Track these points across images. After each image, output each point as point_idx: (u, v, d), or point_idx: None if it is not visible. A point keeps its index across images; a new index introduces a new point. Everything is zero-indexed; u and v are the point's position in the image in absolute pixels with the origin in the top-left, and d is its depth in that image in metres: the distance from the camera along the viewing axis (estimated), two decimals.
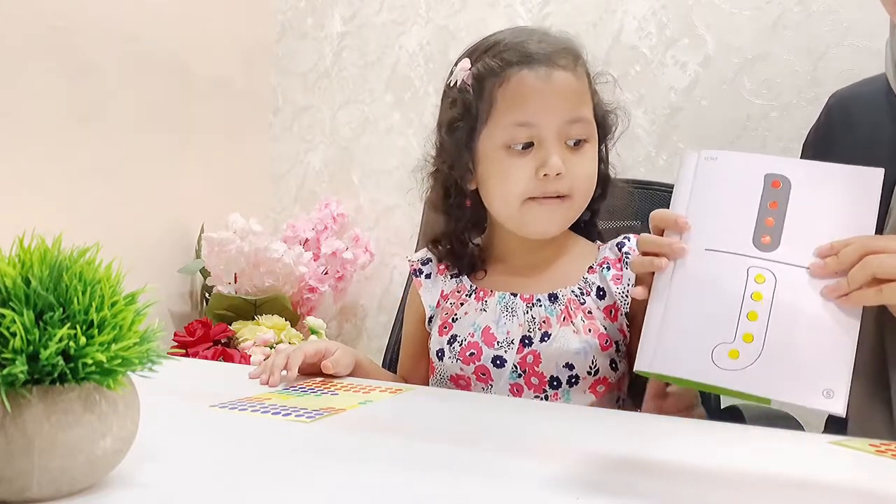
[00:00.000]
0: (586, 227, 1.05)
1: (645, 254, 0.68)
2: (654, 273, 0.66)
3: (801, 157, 1.06)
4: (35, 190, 1.53)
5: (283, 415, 0.71)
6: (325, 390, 0.85)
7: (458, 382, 0.99)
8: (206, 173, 1.99)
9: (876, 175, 0.65)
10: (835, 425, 0.91)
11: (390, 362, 1.23)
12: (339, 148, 2.17)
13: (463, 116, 0.96)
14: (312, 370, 0.93)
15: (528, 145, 0.93)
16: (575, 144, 0.94)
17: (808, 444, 0.71)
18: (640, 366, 0.61)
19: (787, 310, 0.59)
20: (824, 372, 0.57)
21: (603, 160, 1.01)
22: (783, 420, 1.02)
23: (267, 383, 0.87)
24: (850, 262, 0.61)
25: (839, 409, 0.55)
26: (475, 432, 0.70)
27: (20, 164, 1.50)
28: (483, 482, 0.54)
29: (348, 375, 0.95)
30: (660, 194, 1.20)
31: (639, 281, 0.72)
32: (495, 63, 0.94)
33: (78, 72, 1.62)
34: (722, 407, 1.09)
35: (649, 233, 0.71)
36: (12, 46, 1.49)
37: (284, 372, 0.89)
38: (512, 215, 0.96)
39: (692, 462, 0.62)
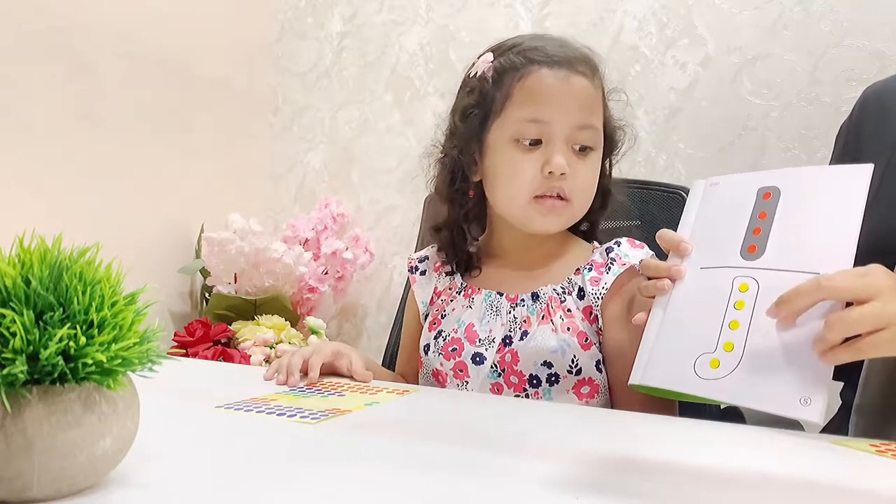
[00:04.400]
0: (585, 234, 1.06)
1: (648, 278, 0.68)
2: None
3: (833, 147, 1.06)
4: (35, 190, 1.53)
5: (288, 416, 0.71)
6: (332, 391, 0.85)
7: (437, 378, 1.01)
8: (206, 173, 1.99)
9: (864, 171, 0.64)
10: (835, 425, 0.91)
11: (390, 361, 1.23)
12: (338, 148, 2.17)
13: (478, 105, 0.98)
14: (323, 371, 0.93)
15: (537, 142, 0.93)
16: (581, 150, 0.94)
17: (808, 444, 0.71)
18: (632, 380, 0.62)
19: (768, 317, 0.59)
20: (802, 379, 0.56)
21: (605, 175, 1.02)
22: (784, 421, 1.01)
23: (285, 384, 0.87)
24: (806, 305, 0.58)
25: (816, 417, 0.54)
26: (478, 433, 0.70)
27: (20, 164, 1.50)
28: (484, 482, 0.54)
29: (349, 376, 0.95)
30: (659, 194, 1.20)
31: (642, 307, 0.72)
32: (518, 59, 0.95)
33: (78, 72, 1.62)
34: (722, 407, 1.09)
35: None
36: (12, 46, 1.49)
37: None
38: (516, 211, 0.97)
39: (692, 462, 0.62)
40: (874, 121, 0.97)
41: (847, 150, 1.01)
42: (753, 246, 0.64)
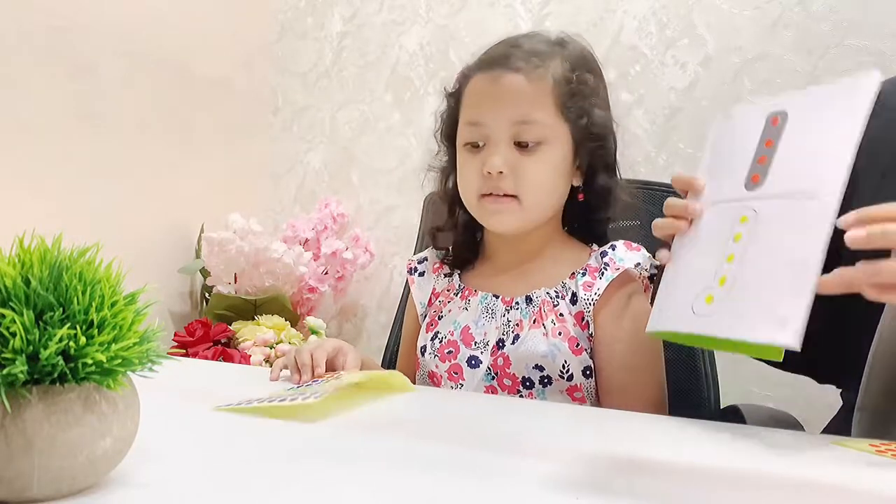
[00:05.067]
0: (592, 235, 1.03)
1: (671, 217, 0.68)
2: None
3: None
4: (35, 190, 1.53)
5: (290, 400, 0.72)
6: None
7: (433, 379, 1.01)
8: (206, 173, 1.99)
9: (871, 80, 0.60)
10: (836, 425, 0.91)
11: (389, 362, 1.23)
12: (338, 148, 2.17)
13: (446, 115, 1.04)
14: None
15: (481, 144, 0.96)
16: (527, 146, 0.93)
17: (808, 445, 0.71)
18: (648, 327, 0.61)
19: (760, 246, 0.57)
20: (780, 303, 0.53)
21: (603, 169, 0.98)
22: (784, 421, 1.02)
23: (298, 383, 0.87)
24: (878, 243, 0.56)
25: (790, 340, 0.51)
26: (477, 432, 0.70)
27: (20, 164, 1.50)
28: (484, 482, 0.54)
29: None
30: (659, 194, 1.19)
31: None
32: (467, 67, 1.00)
33: (78, 72, 1.62)
34: (722, 407, 1.09)
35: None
36: (12, 46, 1.49)
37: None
38: (472, 211, 0.99)
39: (692, 462, 0.62)
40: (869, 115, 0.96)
41: None
42: (757, 175, 0.61)
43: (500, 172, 0.92)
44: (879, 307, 0.80)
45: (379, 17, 2.10)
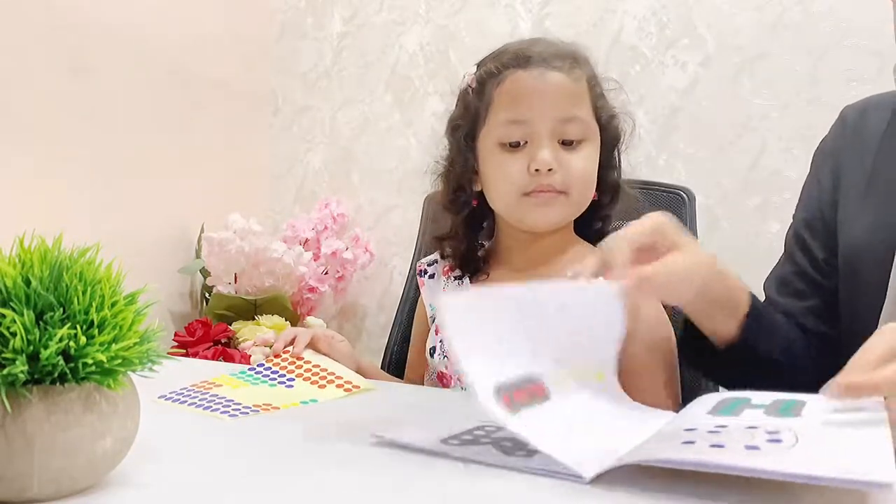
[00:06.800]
0: (596, 235, 1.04)
1: None
2: None
3: (810, 166, 1.02)
4: (35, 190, 1.53)
5: (206, 409, 0.72)
6: (285, 376, 0.87)
7: (442, 380, 1.01)
8: (206, 173, 1.99)
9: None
10: None
11: (389, 362, 1.23)
12: (338, 148, 2.17)
13: (464, 117, 1.00)
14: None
15: (522, 143, 0.95)
16: (570, 143, 0.95)
17: None
18: None
19: None
20: None
21: (613, 167, 1.02)
22: None
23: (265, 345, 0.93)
24: None
25: None
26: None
27: (20, 164, 1.50)
28: (486, 482, 0.54)
29: None
30: (660, 195, 1.20)
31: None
32: (494, 66, 0.98)
33: (78, 72, 1.62)
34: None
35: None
36: (12, 46, 1.49)
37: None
38: (510, 210, 0.98)
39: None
40: (854, 131, 0.96)
41: (825, 165, 0.98)
42: None
43: (550, 169, 0.93)
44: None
45: (379, 17, 2.10)
